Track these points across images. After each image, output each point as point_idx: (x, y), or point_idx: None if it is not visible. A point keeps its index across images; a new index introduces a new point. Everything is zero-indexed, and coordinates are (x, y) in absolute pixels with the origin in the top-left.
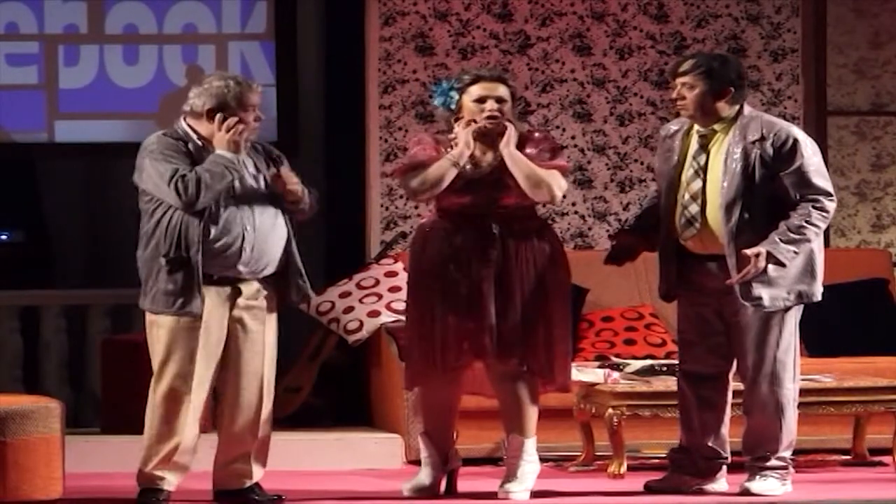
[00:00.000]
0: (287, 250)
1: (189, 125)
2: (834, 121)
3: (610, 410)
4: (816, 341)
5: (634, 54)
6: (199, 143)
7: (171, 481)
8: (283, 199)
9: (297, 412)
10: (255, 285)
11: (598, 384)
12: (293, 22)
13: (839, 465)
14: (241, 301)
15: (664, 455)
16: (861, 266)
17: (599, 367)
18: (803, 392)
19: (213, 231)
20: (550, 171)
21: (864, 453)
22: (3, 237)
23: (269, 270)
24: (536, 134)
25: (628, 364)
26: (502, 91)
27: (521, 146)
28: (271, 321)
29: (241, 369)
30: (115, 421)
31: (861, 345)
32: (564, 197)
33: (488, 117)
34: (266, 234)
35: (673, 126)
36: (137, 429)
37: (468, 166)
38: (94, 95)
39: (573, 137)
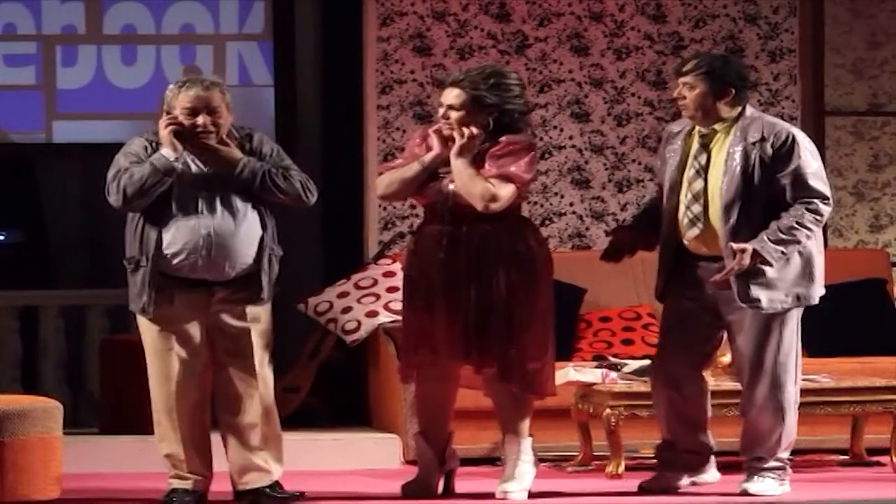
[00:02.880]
0: (260, 248)
1: None
2: (831, 121)
3: (608, 410)
4: (814, 341)
5: (632, 55)
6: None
7: (193, 480)
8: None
9: (295, 412)
10: (232, 285)
11: (595, 384)
12: (291, 22)
13: (837, 465)
14: (215, 301)
15: None
16: (859, 266)
17: (597, 367)
18: (802, 392)
19: (166, 236)
20: (490, 181)
21: (861, 453)
22: (2, 237)
23: (240, 271)
24: (502, 142)
25: (626, 364)
26: (453, 97)
27: (484, 156)
28: (260, 317)
29: (229, 369)
30: (113, 421)
31: (859, 345)
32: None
33: (438, 125)
34: (229, 236)
35: (675, 127)
36: (136, 429)
37: (442, 168)
38: (92, 96)
39: (571, 137)
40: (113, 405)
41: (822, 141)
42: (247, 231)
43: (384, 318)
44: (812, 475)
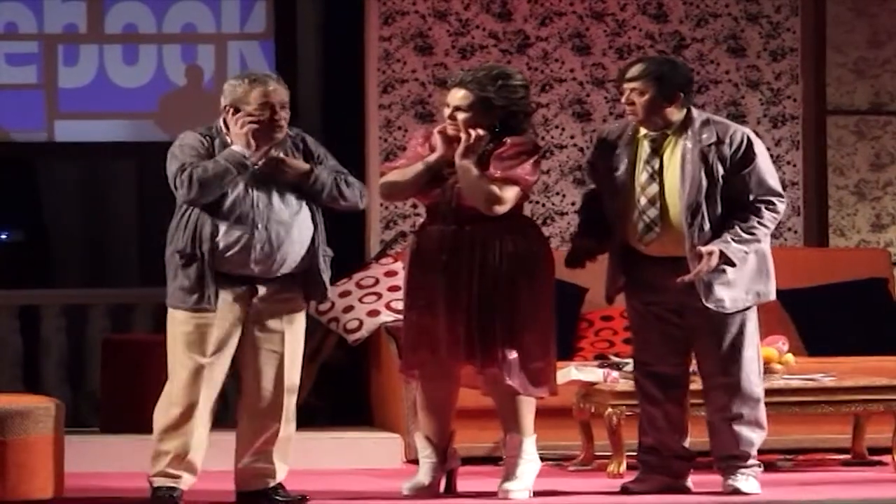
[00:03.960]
0: (311, 247)
1: (224, 122)
2: (833, 120)
3: (609, 409)
4: (816, 340)
5: (634, 54)
6: (228, 139)
7: (185, 479)
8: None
9: (296, 411)
10: (275, 284)
11: (597, 383)
12: (292, 21)
13: (839, 465)
14: (257, 300)
15: None
16: (860, 265)
17: (599, 366)
18: (803, 391)
19: (221, 229)
20: (495, 182)
21: (863, 453)
22: (3, 237)
23: (288, 269)
24: (507, 143)
25: (627, 363)
26: (459, 98)
27: (489, 158)
28: (295, 320)
29: (258, 369)
30: (114, 420)
31: (860, 344)
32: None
33: (443, 126)
34: (283, 232)
35: (614, 130)
36: (137, 428)
37: (446, 168)
38: (94, 95)
39: (572, 137)
40: (114, 404)
41: (824, 140)
42: (299, 229)
43: (386, 317)
44: (814, 475)
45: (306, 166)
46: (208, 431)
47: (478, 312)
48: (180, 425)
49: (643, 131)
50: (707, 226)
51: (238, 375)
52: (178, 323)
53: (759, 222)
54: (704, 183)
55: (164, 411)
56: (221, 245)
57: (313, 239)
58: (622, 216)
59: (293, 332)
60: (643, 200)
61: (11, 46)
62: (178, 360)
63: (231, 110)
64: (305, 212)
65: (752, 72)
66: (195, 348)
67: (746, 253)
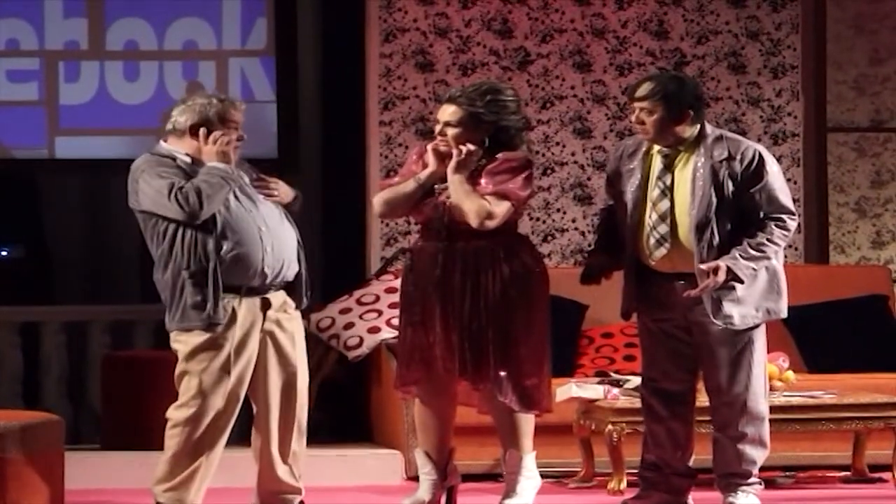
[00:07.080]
0: (298, 253)
1: (170, 145)
2: (834, 137)
3: (610, 426)
4: (816, 357)
5: (634, 71)
6: (187, 159)
7: (192, 499)
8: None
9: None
10: (282, 295)
11: (597, 400)
12: (293, 38)
13: (839, 482)
14: (270, 313)
15: None
16: (861, 282)
17: (599, 383)
18: (804, 408)
19: (230, 240)
20: (486, 198)
21: (863, 469)
22: (4, 253)
23: (292, 272)
24: (499, 159)
25: (628, 380)
26: (449, 114)
27: (480, 173)
28: (299, 329)
29: (278, 382)
30: (115, 437)
31: (861, 361)
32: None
33: (435, 142)
34: (280, 235)
35: (630, 145)
36: (137, 444)
37: (438, 185)
38: (95, 111)
39: (573, 154)
40: (114, 420)
41: (825, 157)
42: (289, 235)
43: (386, 334)
44: (814, 492)
45: (292, 192)
46: (222, 450)
47: (470, 328)
48: (202, 445)
49: (656, 147)
50: (716, 242)
51: (251, 390)
52: (194, 342)
53: (768, 239)
54: (714, 199)
55: (186, 430)
56: (237, 255)
57: (298, 242)
58: (634, 231)
59: (299, 342)
60: (654, 216)
61: (13, 63)
62: (200, 380)
63: (202, 129)
64: (284, 217)
65: (753, 89)
66: (215, 367)
67: (755, 269)
